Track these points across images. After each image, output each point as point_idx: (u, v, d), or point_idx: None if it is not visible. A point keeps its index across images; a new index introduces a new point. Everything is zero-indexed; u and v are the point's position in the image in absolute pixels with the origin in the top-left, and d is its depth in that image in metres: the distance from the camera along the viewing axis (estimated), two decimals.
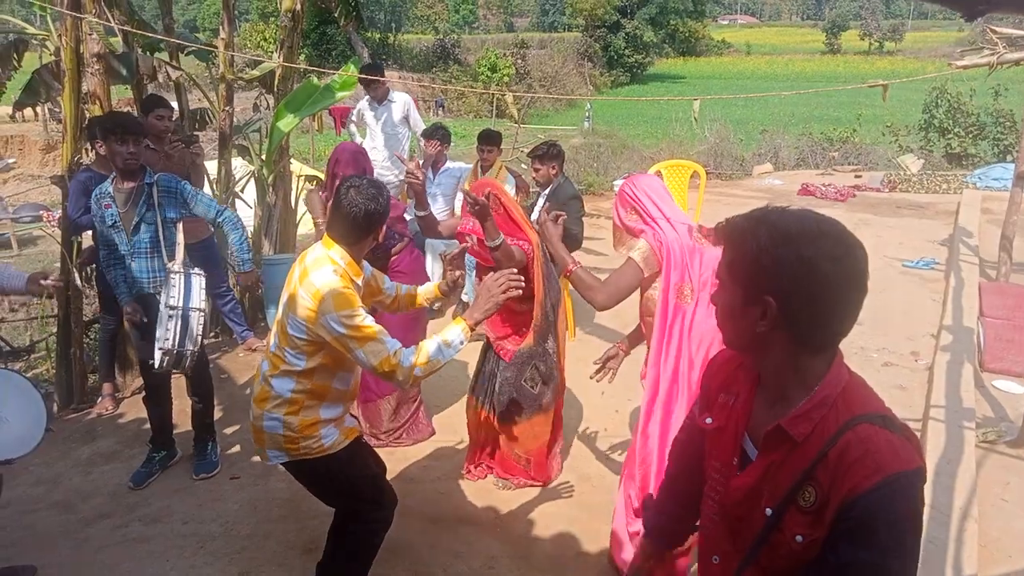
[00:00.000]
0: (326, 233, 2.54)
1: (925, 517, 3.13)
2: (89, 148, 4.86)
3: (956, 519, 3.19)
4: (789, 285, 1.19)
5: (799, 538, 1.21)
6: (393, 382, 2.46)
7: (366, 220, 2.45)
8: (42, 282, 3.13)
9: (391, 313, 3.02)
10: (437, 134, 5.84)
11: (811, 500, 1.20)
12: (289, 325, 2.44)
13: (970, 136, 13.54)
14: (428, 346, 2.45)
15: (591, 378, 3.18)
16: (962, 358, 4.83)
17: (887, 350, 5.42)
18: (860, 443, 1.17)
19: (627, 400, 4.56)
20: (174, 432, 4.09)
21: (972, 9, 1.11)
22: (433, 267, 5.50)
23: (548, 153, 4.89)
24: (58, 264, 5.44)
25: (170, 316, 3.38)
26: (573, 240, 5.02)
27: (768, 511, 1.27)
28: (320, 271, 2.41)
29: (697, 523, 1.60)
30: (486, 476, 3.86)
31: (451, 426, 4.32)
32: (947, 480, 3.46)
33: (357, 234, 2.48)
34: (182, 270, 3.52)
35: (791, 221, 1.23)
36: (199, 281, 3.53)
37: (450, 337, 2.48)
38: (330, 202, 2.65)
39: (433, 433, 4.29)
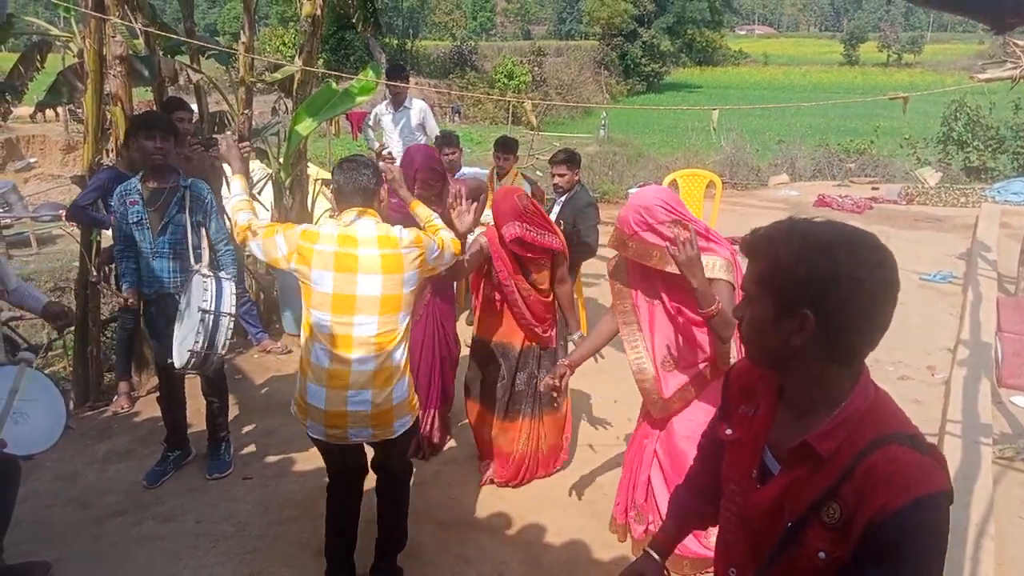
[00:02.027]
0: (356, 209, 2.70)
1: None
2: (111, 149, 4.91)
3: (972, 536, 3.16)
4: (827, 295, 1.16)
5: (822, 554, 1.20)
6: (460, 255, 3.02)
7: (368, 183, 2.73)
8: (55, 323, 3.44)
9: None
10: (453, 141, 5.81)
11: (835, 517, 1.18)
12: (405, 285, 2.69)
13: (989, 150, 13.44)
14: (437, 221, 3.03)
15: (542, 388, 3.24)
16: (979, 373, 4.79)
17: (903, 363, 5.37)
18: (888, 463, 1.15)
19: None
20: (189, 432, 4.12)
21: (1001, 22, 1.10)
22: None
23: (572, 158, 4.90)
24: (77, 264, 5.50)
25: (201, 319, 3.37)
26: (588, 249, 5.02)
27: (789, 525, 1.26)
28: (395, 229, 2.72)
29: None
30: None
31: (461, 433, 4.32)
32: (963, 497, 3.42)
33: (371, 198, 2.75)
34: (212, 274, 3.53)
35: (825, 231, 1.20)
36: (230, 287, 3.53)
37: (424, 211, 3.09)
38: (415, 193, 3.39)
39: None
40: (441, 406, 4.15)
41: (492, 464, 3.88)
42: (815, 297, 1.17)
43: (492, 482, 3.85)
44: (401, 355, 2.74)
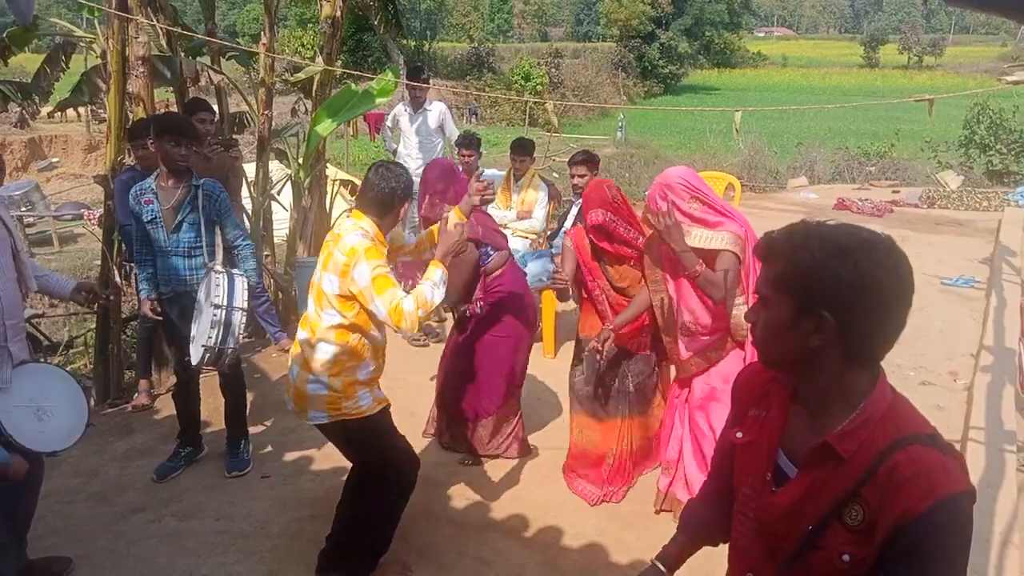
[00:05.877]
0: (355, 209, 2.85)
1: None
2: (131, 150, 4.95)
3: (996, 545, 3.11)
4: (846, 297, 1.18)
5: (846, 557, 1.20)
6: (401, 325, 2.69)
7: (390, 196, 2.80)
8: (85, 293, 3.37)
9: (416, 258, 3.29)
10: (472, 143, 5.82)
11: (858, 519, 1.18)
12: (324, 283, 2.74)
13: (1012, 153, 13.27)
14: (422, 290, 2.76)
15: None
16: (1003, 379, 4.72)
17: (924, 369, 5.31)
18: (912, 463, 1.15)
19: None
20: (207, 430, 4.15)
21: None
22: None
23: (591, 159, 4.89)
24: (98, 262, 5.55)
25: (214, 314, 3.43)
26: None
27: (810, 528, 1.25)
28: (352, 234, 2.74)
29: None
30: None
31: None
32: (987, 505, 3.37)
33: (382, 209, 2.81)
34: (225, 270, 3.59)
35: (842, 234, 1.22)
36: (242, 283, 3.59)
37: (435, 278, 2.81)
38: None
39: (531, 451, 4.16)
40: (496, 413, 4.03)
41: (584, 480, 3.77)
42: (834, 299, 1.18)
43: (603, 500, 3.68)
44: (326, 353, 2.76)
